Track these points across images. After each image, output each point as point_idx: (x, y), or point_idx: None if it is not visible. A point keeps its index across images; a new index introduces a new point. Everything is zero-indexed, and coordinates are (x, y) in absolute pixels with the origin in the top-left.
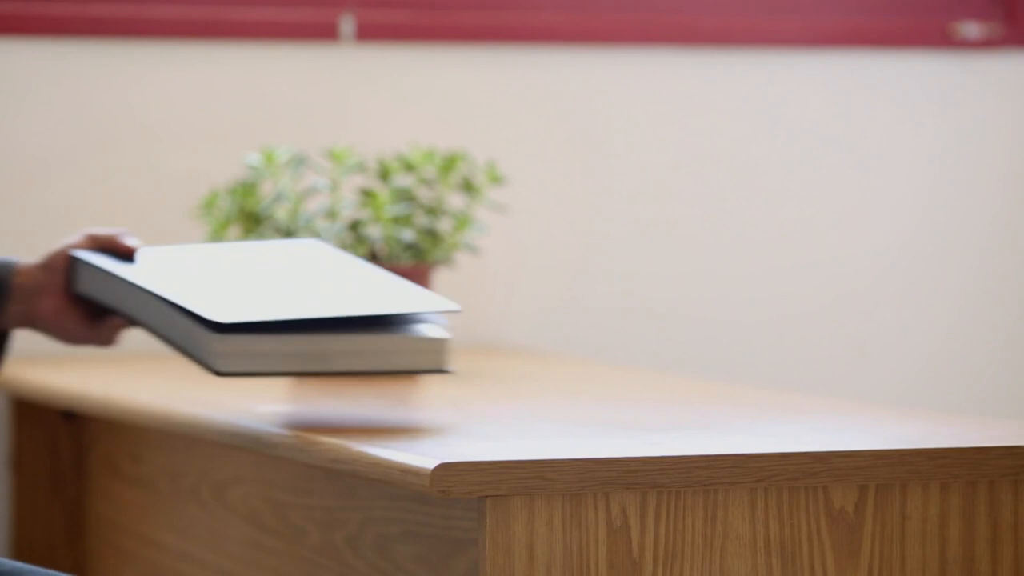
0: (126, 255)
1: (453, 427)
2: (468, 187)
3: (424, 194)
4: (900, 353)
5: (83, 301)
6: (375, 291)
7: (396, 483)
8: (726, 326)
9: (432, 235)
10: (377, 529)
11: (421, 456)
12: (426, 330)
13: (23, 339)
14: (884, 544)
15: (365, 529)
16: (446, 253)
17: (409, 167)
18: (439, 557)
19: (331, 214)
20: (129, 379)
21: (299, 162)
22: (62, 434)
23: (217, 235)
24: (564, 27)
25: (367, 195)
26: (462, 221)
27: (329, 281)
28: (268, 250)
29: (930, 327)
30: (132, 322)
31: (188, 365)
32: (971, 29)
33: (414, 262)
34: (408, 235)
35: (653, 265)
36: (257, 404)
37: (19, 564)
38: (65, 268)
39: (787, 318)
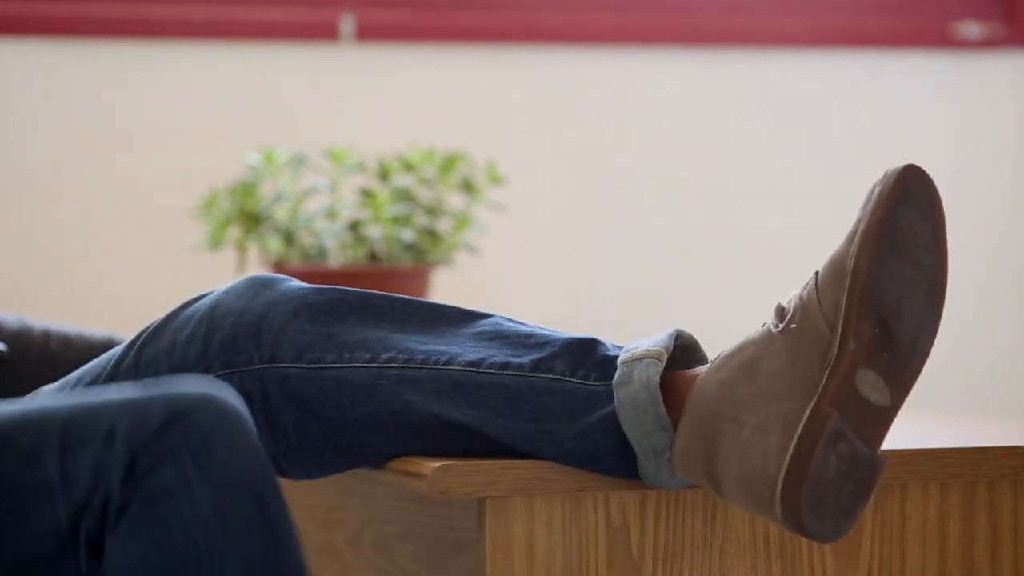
0: None
1: None
2: (468, 187)
3: (424, 194)
4: None
5: None
6: None
7: (396, 483)
8: (726, 325)
9: (432, 235)
10: (377, 529)
11: (421, 456)
12: None
13: None
14: (884, 544)
15: (365, 529)
16: (446, 253)
17: (409, 167)
18: (439, 557)
19: (331, 214)
20: None
21: (299, 162)
22: None
23: (217, 235)
24: (564, 27)
25: (367, 195)
26: (462, 221)
27: None
28: None
29: None
30: None
31: None
32: (971, 29)
33: (414, 262)
34: (408, 235)
35: (652, 264)
36: None
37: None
38: None
39: None
